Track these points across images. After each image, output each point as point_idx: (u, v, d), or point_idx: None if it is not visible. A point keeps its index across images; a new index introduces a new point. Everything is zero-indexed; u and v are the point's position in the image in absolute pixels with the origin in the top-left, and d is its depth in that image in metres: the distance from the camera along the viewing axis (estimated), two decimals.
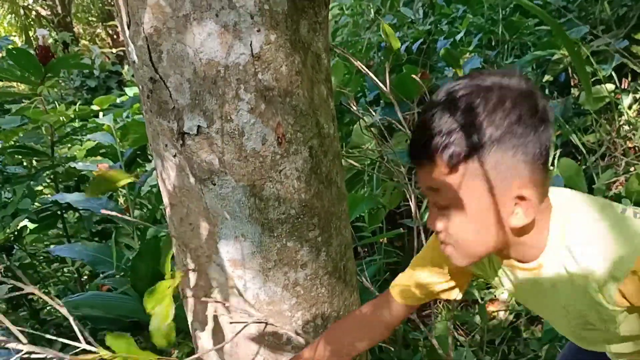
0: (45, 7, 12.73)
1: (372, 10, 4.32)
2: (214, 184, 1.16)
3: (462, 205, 0.97)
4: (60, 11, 12.64)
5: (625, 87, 3.36)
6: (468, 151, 0.91)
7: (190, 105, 1.09)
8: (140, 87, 1.14)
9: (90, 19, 14.33)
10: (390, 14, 4.21)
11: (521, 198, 0.94)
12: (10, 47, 2.22)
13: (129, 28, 1.06)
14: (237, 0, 1.04)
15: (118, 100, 3.72)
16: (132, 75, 1.12)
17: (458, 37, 3.86)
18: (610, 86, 3.43)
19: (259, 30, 1.07)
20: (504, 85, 0.92)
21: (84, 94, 7.83)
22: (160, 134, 1.15)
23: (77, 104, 3.73)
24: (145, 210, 2.41)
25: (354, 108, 2.99)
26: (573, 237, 0.98)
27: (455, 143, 0.91)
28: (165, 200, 1.25)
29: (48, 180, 2.66)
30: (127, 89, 5.40)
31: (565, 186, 2.78)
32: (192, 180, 1.16)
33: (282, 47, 1.11)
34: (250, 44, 1.07)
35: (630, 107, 3.28)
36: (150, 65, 1.07)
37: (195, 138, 1.12)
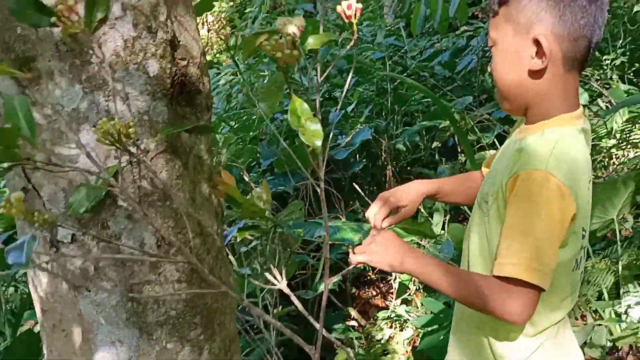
0: None
1: (266, 77, 4.41)
2: (89, 290, 1.13)
3: (497, 43, 1.17)
4: None
5: None
6: None
7: (64, 213, 1.07)
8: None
9: None
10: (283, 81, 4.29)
11: (537, 42, 1.11)
12: None
13: None
14: (116, 111, 1.04)
15: None
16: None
17: (349, 108, 4.00)
18: (493, 152, 3.66)
19: (138, 140, 1.07)
20: None
21: None
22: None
23: None
24: (21, 292, 2.28)
25: (247, 179, 3.02)
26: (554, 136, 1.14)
27: None
28: (37, 306, 1.21)
29: None
30: None
31: (454, 250, 2.92)
32: (65, 287, 1.12)
33: (162, 153, 1.12)
34: (129, 153, 1.07)
35: None
36: (22, 175, 1.05)
37: (69, 246, 1.09)
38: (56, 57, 1.02)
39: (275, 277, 1.35)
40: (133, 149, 1.04)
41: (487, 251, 1.23)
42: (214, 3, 1.49)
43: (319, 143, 1.08)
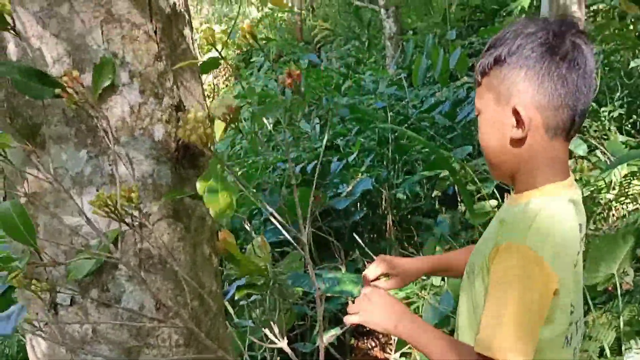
0: None
1: (270, 124, 4.44)
2: (86, 354, 1.12)
3: (481, 112, 1.19)
4: None
5: None
6: (489, 65, 1.15)
7: (65, 276, 1.07)
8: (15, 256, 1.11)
9: None
10: (287, 128, 4.34)
11: (515, 112, 1.11)
12: None
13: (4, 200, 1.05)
14: (120, 175, 1.06)
15: None
16: None
17: (351, 158, 4.03)
18: (493, 202, 3.66)
19: (141, 203, 1.08)
20: (539, 24, 1.13)
21: None
22: (31, 303, 1.12)
23: None
24: (19, 339, 2.26)
25: (248, 228, 3.02)
26: (537, 207, 1.13)
27: (484, 60, 1.16)
28: None
29: None
30: None
31: (453, 302, 2.90)
32: (62, 350, 1.12)
33: (164, 217, 1.13)
34: (132, 217, 1.08)
35: None
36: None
37: (68, 308, 1.09)
38: (63, 122, 1.04)
39: (274, 334, 1.34)
40: (136, 213, 1.06)
41: (475, 320, 1.22)
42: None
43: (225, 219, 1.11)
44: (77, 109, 1.02)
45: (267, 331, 1.38)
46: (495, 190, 3.76)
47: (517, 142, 1.14)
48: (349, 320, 1.27)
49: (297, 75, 1.07)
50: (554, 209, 1.13)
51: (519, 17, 6.61)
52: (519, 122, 1.12)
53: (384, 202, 3.99)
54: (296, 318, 2.97)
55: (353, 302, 1.29)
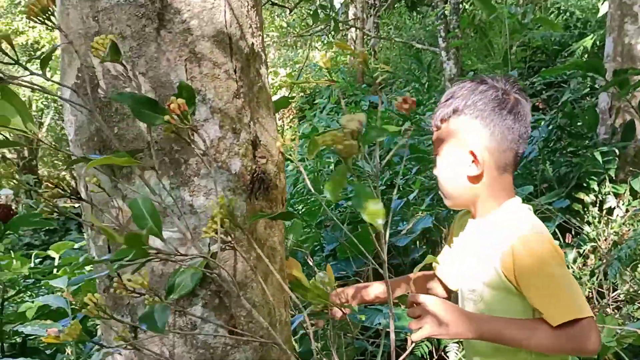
0: (12, 151, 12.91)
1: (332, 164, 4.51)
2: None
3: (440, 154, 1.42)
4: (26, 155, 12.86)
5: (569, 242, 3.53)
6: (448, 114, 1.39)
7: (142, 302, 1.12)
8: (98, 281, 1.17)
9: (55, 162, 14.51)
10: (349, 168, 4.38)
11: (472, 153, 1.35)
12: None
13: (91, 229, 1.12)
14: (199, 206, 1.11)
15: (76, 246, 3.72)
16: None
17: (411, 196, 4.03)
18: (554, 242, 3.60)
19: (216, 233, 1.13)
20: (489, 82, 1.38)
21: (41, 235, 7.73)
22: (112, 325, 1.17)
23: (33, 254, 3.71)
24: None
25: (311, 263, 3.05)
26: (515, 217, 1.36)
27: (442, 109, 1.40)
28: None
29: None
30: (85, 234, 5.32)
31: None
32: None
33: (238, 246, 1.18)
34: (209, 245, 1.13)
35: (574, 261, 3.42)
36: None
37: (147, 332, 1.14)
38: (147, 155, 1.11)
39: None
40: (212, 241, 1.11)
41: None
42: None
43: (380, 222, 1.14)
44: (162, 140, 1.09)
45: None
46: (556, 230, 3.68)
47: (474, 178, 1.38)
48: (418, 335, 1.27)
49: (412, 102, 1.18)
50: (524, 208, 1.38)
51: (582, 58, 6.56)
52: (475, 161, 1.35)
53: (443, 241, 3.96)
54: (356, 353, 2.97)
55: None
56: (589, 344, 1.23)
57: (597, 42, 6.74)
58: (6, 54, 1.00)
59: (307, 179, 1.38)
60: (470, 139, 1.35)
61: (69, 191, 1.14)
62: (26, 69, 1.04)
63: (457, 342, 2.81)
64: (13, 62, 1.01)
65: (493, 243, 1.33)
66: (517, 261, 1.27)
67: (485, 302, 1.37)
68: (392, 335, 1.29)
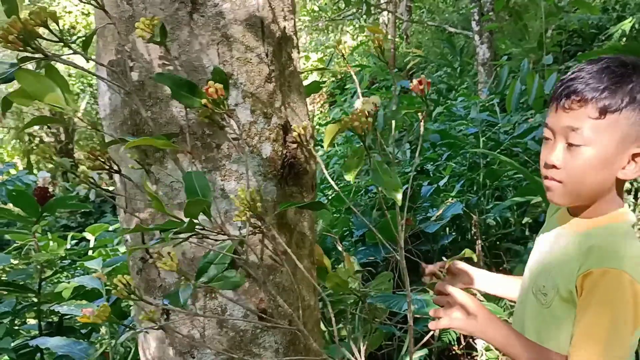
0: (50, 134, 13.16)
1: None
2: (193, 357, 1.19)
3: (594, 147, 1.14)
4: (63, 138, 13.11)
5: None
6: (617, 105, 1.12)
7: (176, 283, 1.14)
8: (131, 263, 1.19)
9: (92, 146, 14.77)
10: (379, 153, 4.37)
11: (635, 156, 1.14)
12: (10, 188, 2.31)
13: (124, 212, 1.13)
14: (230, 190, 1.12)
15: (111, 228, 3.78)
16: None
17: (442, 182, 4.01)
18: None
19: (247, 218, 1.14)
20: None
21: (77, 217, 7.85)
22: (144, 307, 1.19)
23: (69, 236, 3.78)
24: (125, 347, 2.40)
25: (340, 248, 3.06)
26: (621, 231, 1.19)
27: (609, 97, 1.12)
28: None
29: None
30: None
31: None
32: (171, 352, 1.19)
33: (269, 231, 1.19)
34: (239, 229, 1.14)
35: None
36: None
37: (179, 314, 1.16)
38: (180, 139, 1.12)
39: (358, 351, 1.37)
40: (243, 225, 1.12)
41: (545, 335, 1.25)
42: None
43: (399, 196, 1.15)
44: (195, 125, 1.10)
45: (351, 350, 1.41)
46: None
47: (620, 181, 1.19)
48: (438, 324, 1.27)
49: (427, 83, 1.17)
50: (631, 234, 1.19)
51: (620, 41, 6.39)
52: (633, 167, 1.15)
53: (473, 228, 3.93)
54: (384, 338, 2.97)
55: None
56: None
57: (636, 26, 6.57)
58: (52, 32, 1.02)
59: (323, 167, 1.30)
60: (635, 138, 1.14)
61: (108, 165, 1.16)
62: (70, 47, 1.04)
63: None
64: (57, 39, 1.03)
65: (580, 257, 1.18)
66: (589, 289, 1.14)
67: (551, 307, 1.24)
68: (410, 322, 1.30)
